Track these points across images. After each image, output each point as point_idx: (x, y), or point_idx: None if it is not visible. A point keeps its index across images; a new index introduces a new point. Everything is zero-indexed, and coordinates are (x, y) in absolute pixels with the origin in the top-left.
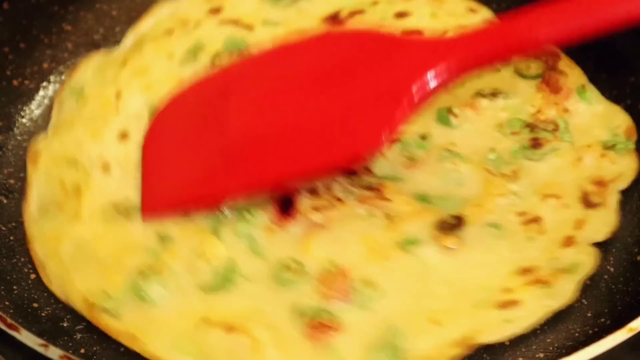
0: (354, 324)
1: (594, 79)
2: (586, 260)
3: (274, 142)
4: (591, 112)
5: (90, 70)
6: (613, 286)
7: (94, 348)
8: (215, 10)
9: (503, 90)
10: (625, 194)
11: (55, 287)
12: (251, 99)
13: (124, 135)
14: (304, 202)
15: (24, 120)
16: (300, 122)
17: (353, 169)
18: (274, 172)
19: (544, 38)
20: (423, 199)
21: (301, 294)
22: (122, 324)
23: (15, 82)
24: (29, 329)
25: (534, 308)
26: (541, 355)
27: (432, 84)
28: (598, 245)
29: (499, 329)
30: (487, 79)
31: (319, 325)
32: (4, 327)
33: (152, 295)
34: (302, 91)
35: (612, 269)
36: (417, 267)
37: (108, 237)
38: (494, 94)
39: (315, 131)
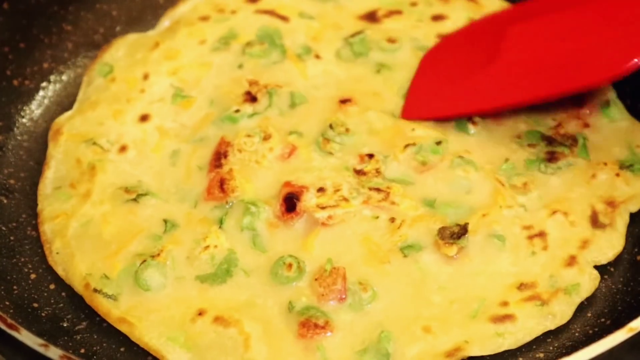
0: (345, 325)
1: None
2: (586, 283)
3: (538, 67)
4: (613, 129)
5: (122, 49)
6: (613, 286)
7: (94, 348)
8: (253, 0)
9: None
10: None
11: (59, 266)
12: (524, 31)
13: (144, 118)
14: (310, 200)
15: (24, 120)
16: (563, 51)
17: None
18: (532, 91)
19: None
20: (429, 204)
21: (296, 292)
22: (118, 309)
23: (15, 82)
24: (29, 329)
25: (527, 325)
26: (541, 355)
27: None
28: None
29: (489, 342)
30: None
31: (311, 324)
32: (4, 327)
33: (149, 281)
34: (568, 26)
35: (612, 269)
36: (415, 273)
37: (114, 220)
38: None
39: (575, 57)
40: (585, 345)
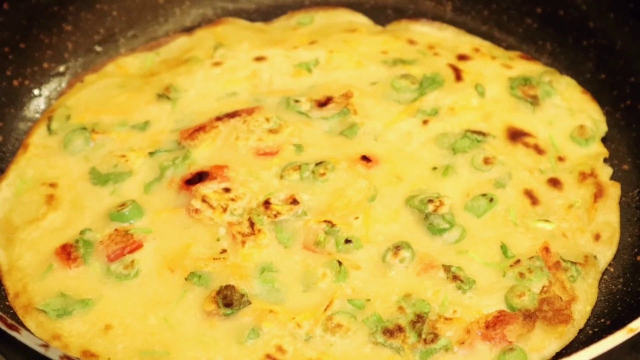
0: (96, 289)
1: (593, 79)
2: None
3: None
4: None
5: None
6: (613, 286)
7: None
8: None
9: None
10: (625, 195)
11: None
12: None
13: (260, 59)
14: (209, 188)
15: (24, 120)
16: None
17: None
18: None
19: None
20: (264, 270)
21: (102, 227)
22: None
23: (15, 82)
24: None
25: None
26: None
27: None
28: None
29: None
30: None
31: (68, 248)
32: (4, 328)
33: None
34: None
35: (612, 269)
36: (163, 301)
37: None
38: None
39: None
40: (585, 346)
